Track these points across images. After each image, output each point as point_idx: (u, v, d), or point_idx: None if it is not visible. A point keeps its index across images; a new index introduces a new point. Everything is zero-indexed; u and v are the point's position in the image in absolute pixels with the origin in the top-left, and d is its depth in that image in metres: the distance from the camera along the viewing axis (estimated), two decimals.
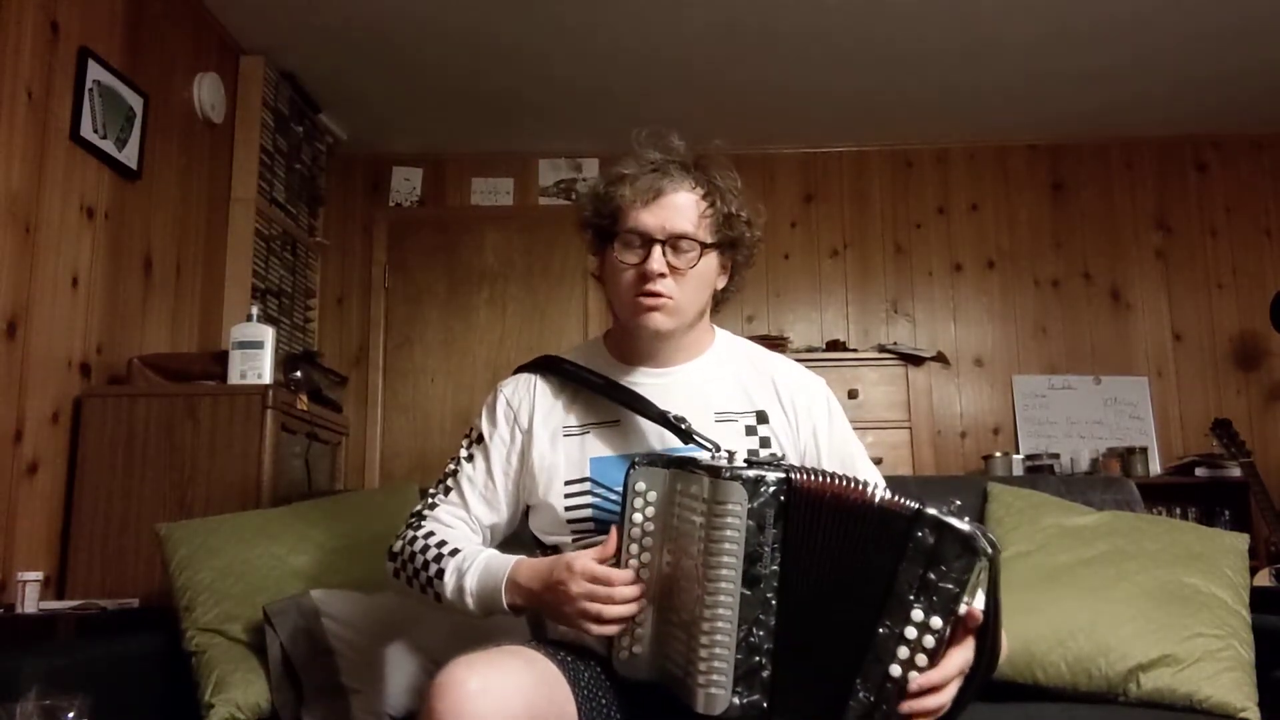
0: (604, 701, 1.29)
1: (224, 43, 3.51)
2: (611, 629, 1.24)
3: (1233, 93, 4.05)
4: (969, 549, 1.13)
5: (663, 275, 1.41)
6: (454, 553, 1.39)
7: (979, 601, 1.15)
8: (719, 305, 1.56)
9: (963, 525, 1.14)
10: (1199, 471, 3.94)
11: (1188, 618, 1.79)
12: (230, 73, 3.55)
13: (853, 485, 1.21)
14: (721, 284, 1.52)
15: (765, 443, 1.47)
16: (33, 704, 1.35)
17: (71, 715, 1.36)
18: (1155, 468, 4.09)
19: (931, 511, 1.15)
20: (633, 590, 1.24)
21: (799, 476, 1.21)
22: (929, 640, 1.13)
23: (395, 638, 1.75)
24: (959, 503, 1.17)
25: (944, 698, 1.15)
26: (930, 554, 1.14)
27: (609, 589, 1.23)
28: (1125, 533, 1.95)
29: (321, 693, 1.71)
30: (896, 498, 1.18)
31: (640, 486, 1.27)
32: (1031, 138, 4.52)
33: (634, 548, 1.27)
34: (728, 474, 1.20)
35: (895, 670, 1.14)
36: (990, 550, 1.14)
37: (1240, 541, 1.96)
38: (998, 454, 4.05)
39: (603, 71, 3.84)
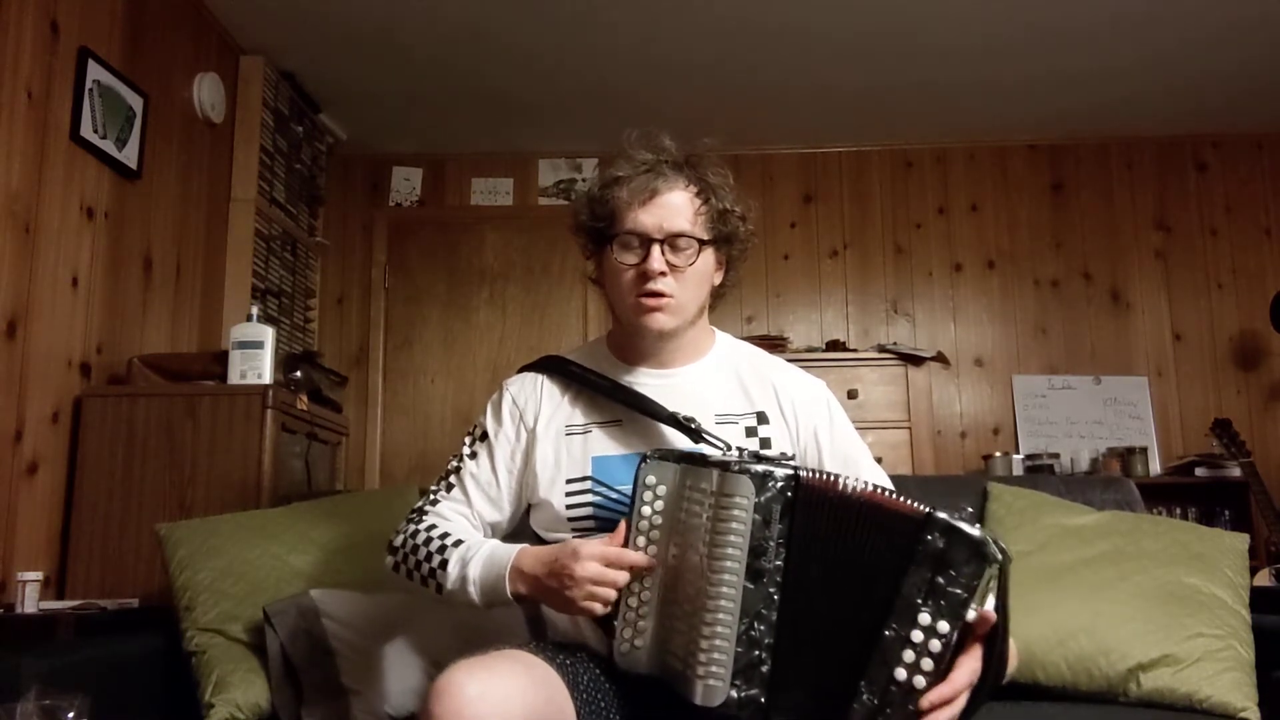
0: (603, 704, 1.29)
1: (224, 43, 3.50)
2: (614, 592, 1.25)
3: (1233, 92, 4.05)
4: (979, 555, 1.12)
5: (663, 274, 1.42)
6: (457, 543, 1.40)
7: (989, 607, 1.14)
8: (716, 301, 1.56)
9: (974, 531, 1.13)
10: (1199, 471, 3.94)
11: (1188, 618, 1.79)
12: (230, 73, 3.55)
13: (862, 486, 1.20)
14: (718, 280, 1.53)
15: (766, 444, 1.47)
16: (33, 704, 1.35)
17: (71, 715, 1.36)
18: (1155, 468, 4.09)
19: (942, 515, 1.14)
20: (633, 569, 1.25)
21: (807, 474, 1.21)
22: (935, 645, 1.13)
23: (395, 638, 1.75)
24: (970, 509, 1.16)
25: (955, 710, 1.14)
26: (939, 558, 1.13)
27: (616, 572, 1.24)
28: (1125, 533, 1.95)
29: (321, 693, 1.71)
30: (906, 500, 1.18)
31: (650, 480, 1.28)
32: (1031, 138, 4.52)
33: (641, 540, 1.27)
34: (736, 468, 1.21)
35: (900, 674, 1.14)
36: (1001, 557, 1.13)
37: (1240, 541, 1.96)
38: (998, 454, 4.05)
39: (602, 72, 3.84)
